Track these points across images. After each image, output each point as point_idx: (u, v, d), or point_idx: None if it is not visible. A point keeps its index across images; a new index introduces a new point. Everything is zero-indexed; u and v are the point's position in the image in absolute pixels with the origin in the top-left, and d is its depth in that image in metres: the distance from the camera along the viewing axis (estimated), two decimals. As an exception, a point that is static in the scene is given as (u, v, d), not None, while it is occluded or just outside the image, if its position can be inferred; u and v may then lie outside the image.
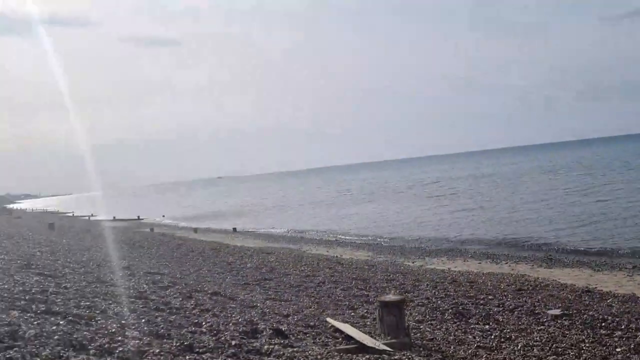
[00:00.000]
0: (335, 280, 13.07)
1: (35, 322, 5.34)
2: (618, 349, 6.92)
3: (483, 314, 9.17)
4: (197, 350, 5.35)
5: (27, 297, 6.52)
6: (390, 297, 7.86)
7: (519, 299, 10.69)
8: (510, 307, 9.81)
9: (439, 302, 10.25)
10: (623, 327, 8.16)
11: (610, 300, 10.88)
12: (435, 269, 16.68)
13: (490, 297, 10.83)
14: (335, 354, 6.09)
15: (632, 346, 7.08)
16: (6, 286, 7.07)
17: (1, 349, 4.35)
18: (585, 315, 8.98)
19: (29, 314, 5.69)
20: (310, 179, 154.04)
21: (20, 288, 7.10)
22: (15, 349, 4.38)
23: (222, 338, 5.95)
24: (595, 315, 8.99)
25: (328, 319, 8.33)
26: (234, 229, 37.35)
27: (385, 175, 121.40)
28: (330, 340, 7.08)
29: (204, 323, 6.62)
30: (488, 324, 8.50)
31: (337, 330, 7.65)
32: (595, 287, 12.61)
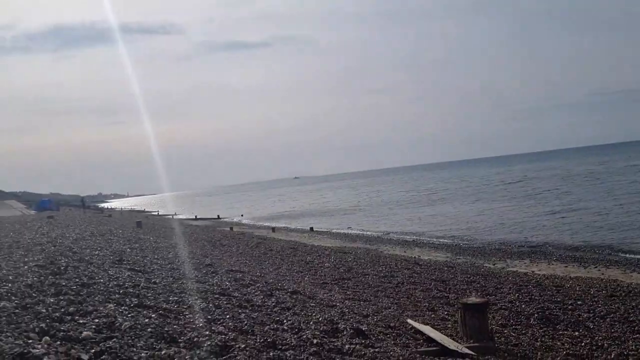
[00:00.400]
0: (414, 281, 12.91)
1: (129, 315, 5.64)
2: None
3: (572, 320, 8.75)
4: (280, 347, 5.45)
5: (120, 291, 6.90)
6: (473, 299, 7.67)
7: (611, 305, 10.11)
8: (602, 313, 9.31)
9: (523, 306, 9.89)
10: None
11: None
12: (517, 271, 16.10)
13: (579, 302, 10.31)
14: (417, 355, 6.02)
15: None
16: (102, 280, 7.52)
17: (101, 339, 4.63)
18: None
19: (123, 307, 6.02)
20: (386, 179, 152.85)
21: (115, 282, 7.53)
22: (113, 339, 4.65)
23: (304, 336, 6.03)
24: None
25: (408, 320, 8.25)
26: (311, 229, 37.72)
27: (464, 174, 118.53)
28: (411, 341, 7.01)
29: (285, 321, 6.74)
30: (577, 330, 8.11)
31: (417, 331, 7.56)
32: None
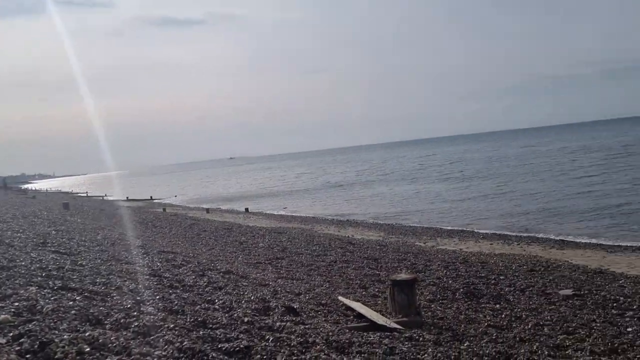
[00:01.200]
0: (347, 259, 13.14)
1: (52, 298, 5.44)
2: (629, 329, 6.92)
3: (494, 294, 9.19)
4: (211, 326, 5.43)
5: (43, 274, 6.64)
6: (402, 276, 7.91)
7: (530, 279, 10.70)
8: (522, 287, 9.83)
9: (450, 281, 10.29)
10: (635, 307, 8.16)
11: (622, 281, 10.85)
12: (447, 249, 16.71)
13: (501, 277, 10.85)
14: (347, 331, 6.15)
15: (643, 326, 7.07)
16: (23, 263, 7.20)
17: (21, 322, 4.45)
18: (597, 296, 8.98)
19: (46, 290, 5.80)
20: (325, 160, 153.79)
21: (37, 265, 7.23)
22: (34, 322, 4.48)
23: (235, 315, 6.03)
24: (607, 295, 8.99)
25: (339, 297, 8.41)
26: (246, 210, 37.55)
27: (403, 156, 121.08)
28: (341, 318, 7.16)
29: (216, 300, 6.72)
30: (499, 303, 8.53)
31: (348, 308, 7.72)
32: (608, 269, 12.57)
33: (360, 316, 7.23)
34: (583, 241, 18.33)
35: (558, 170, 46.44)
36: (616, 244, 17.35)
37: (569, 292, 9.22)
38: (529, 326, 7.06)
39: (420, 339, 6.13)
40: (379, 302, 8.33)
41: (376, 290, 9.36)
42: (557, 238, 19.25)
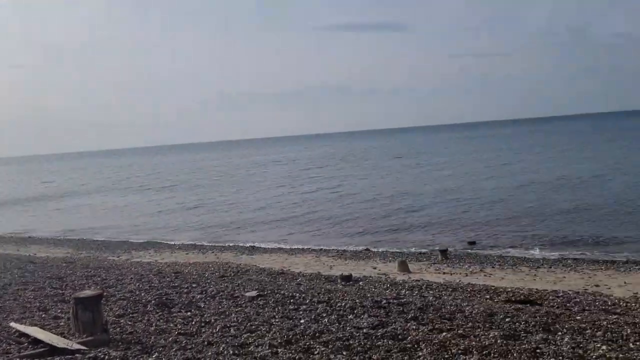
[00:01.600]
0: (26, 281, 11.69)
1: None
2: (302, 321, 7.79)
3: (186, 302, 9.31)
4: None
5: None
6: (86, 292, 7.40)
7: (221, 284, 11.17)
8: (212, 293, 10.19)
9: (142, 294, 10.04)
10: (307, 301, 9.23)
11: (300, 279, 12.23)
12: (141, 262, 16.32)
13: (194, 285, 11.06)
14: (18, 360, 5.46)
15: (312, 317, 8.05)
16: None
17: None
18: (278, 294, 9.88)
19: None
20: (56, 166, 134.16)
21: None
22: None
23: None
24: (286, 293, 9.97)
25: (12, 324, 7.42)
26: None
27: (140, 163, 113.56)
28: (13, 346, 6.32)
29: None
30: (190, 310, 8.67)
31: (23, 334, 6.87)
32: (289, 269, 14.02)
33: (37, 342, 6.50)
34: (270, 247, 20.08)
35: (254, 181, 50.04)
36: (294, 247, 19.52)
37: (254, 293, 9.93)
38: (217, 329, 7.35)
39: (106, 357, 5.81)
40: (62, 323, 7.63)
41: (59, 311, 8.55)
42: (248, 245, 20.67)
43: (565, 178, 34.17)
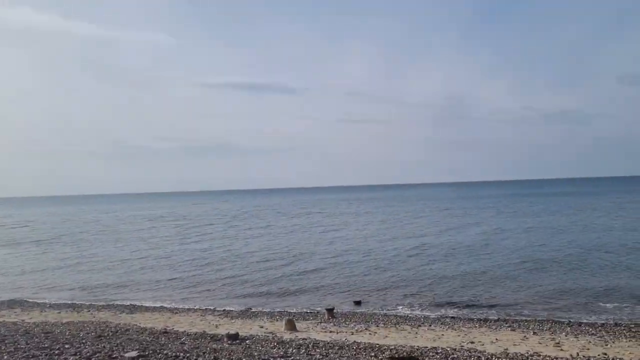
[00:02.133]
0: None
1: None
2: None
3: (57, 364, 8.59)
4: None
5: None
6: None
7: (97, 345, 10.45)
8: (88, 354, 9.49)
9: (6, 357, 9.12)
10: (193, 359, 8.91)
11: (184, 338, 11.75)
12: (5, 321, 14.83)
13: (66, 345, 10.25)
14: None
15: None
16: None
17: None
18: (160, 354, 9.42)
19: None
20: None
21: None
22: None
23: None
24: (169, 353, 9.53)
25: None
26: None
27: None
28: None
29: None
30: (60, 373, 8.00)
31: None
32: (173, 328, 13.42)
33: None
34: (152, 305, 19.13)
35: (140, 237, 47.76)
36: (179, 306, 18.76)
37: (134, 354, 9.38)
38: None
39: None
40: None
41: None
42: (128, 303, 19.55)
43: (452, 244, 36.22)
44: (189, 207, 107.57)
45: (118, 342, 10.87)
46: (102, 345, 10.47)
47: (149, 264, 30.65)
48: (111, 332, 12.39)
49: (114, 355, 9.46)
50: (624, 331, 13.84)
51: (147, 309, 18.26)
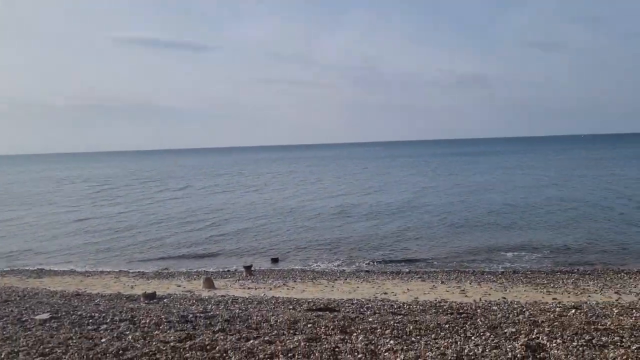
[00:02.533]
0: None
1: None
2: (103, 340, 7.35)
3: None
4: None
5: None
6: None
7: (5, 309, 10.00)
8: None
9: None
10: (108, 320, 8.73)
11: (98, 300, 11.48)
12: None
13: (-31, 312, 9.73)
14: None
15: (115, 335, 7.64)
16: None
17: None
18: (74, 316, 9.17)
19: None
20: None
21: None
22: None
23: None
24: (84, 314, 9.30)
25: None
26: None
27: None
28: None
29: None
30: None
31: None
32: (85, 291, 13.05)
33: None
34: (62, 269, 18.43)
35: (47, 199, 45.32)
36: (92, 269, 18.20)
37: (45, 315, 9.08)
38: (3, 355, 6.60)
39: None
40: None
41: None
42: (35, 268, 18.73)
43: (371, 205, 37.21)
44: (101, 169, 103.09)
45: (27, 305, 10.45)
46: (10, 309, 10.03)
47: (58, 229, 29.32)
48: (18, 296, 11.88)
49: (24, 319, 9.11)
50: (521, 277, 15.08)
51: (56, 272, 17.59)
